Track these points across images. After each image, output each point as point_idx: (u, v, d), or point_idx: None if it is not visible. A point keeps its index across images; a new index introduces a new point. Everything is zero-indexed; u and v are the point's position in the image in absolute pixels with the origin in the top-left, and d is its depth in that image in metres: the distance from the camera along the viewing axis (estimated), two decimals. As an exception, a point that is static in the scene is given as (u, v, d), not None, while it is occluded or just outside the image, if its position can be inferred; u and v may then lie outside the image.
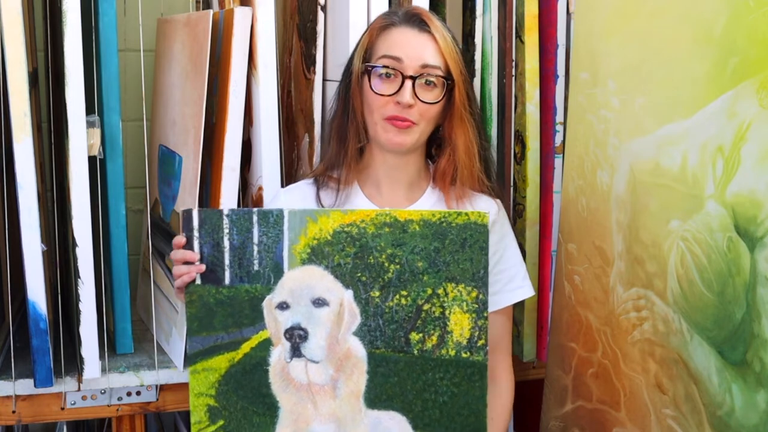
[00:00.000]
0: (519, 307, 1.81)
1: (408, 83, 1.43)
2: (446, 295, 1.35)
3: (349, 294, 1.36)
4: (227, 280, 1.37)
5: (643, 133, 1.39)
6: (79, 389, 1.70)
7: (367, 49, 1.50)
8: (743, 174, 1.17)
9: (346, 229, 1.36)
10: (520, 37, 1.75)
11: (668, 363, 1.36)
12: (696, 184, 1.27)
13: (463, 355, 1.35)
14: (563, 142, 1.71)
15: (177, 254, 1.38)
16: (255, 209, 1.38)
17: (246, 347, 1.38)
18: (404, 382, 1.37)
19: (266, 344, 1.38)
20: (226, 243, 1.37)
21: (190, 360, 1.38)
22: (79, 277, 1.63)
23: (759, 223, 1.15)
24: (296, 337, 1.35)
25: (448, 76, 1.46)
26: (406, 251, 1.35)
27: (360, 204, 1.52)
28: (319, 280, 1.36)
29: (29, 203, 1.55)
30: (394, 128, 1.45)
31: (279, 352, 1.37)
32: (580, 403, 1.63)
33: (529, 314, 1.81)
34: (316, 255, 1.36)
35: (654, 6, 1.37)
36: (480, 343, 1.35)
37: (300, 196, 1.55)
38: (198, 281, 1.38)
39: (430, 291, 1.35)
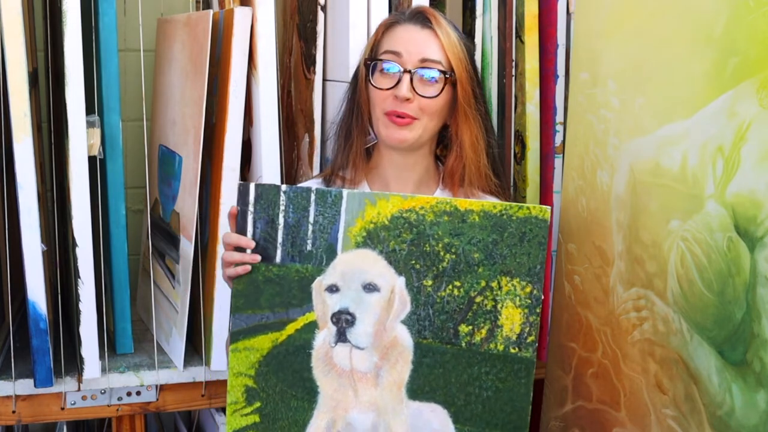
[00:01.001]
0: (519, 307, 1.81)
1: (406, 77, 1.44)
2: (500, 288, 1.33)
3: (401, 281, 1.34)
4: (278, 258, 1.35)
5: (643, 133, 1.39)
6: (79, 389, 1.70)
7: (373, 47, 1.52)
8: (743, 174, 1.17)
9: (404, 214, 1.34)
10: (520, 37, 1.75)
11: (668, 363, 1.36)
12: (696, 184, 1.27)
13: (512, 351, 1.33)
14: (563, 142, 1.71)
15: (231, 237, 1.35)
16: (314, 188, 1.36)
17: (291, 328, 1.35)
18: (449, 374, 1.34)
19: (312, 327, 1.35)
20: (281, 220, 1.35)
21: (232, 337, 1.36)
22: (79, 277, 1.63)
23: (759, 223, 1.15)
24: (343, 321, 1.33)
25: (448, 72, 1.46)
26: (464, 241, 1.33)
27: None
28: (372, 264, 1.34)
29: (29, 203, 1.55)
30: (393, 124, 1.45)
31: (324, 335, 1.35)
32: (580, 403, 1.63)
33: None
34: (371, 239, 1.34)
35: (654, 6, 1.37)
36: (530, 339, 1.33)
37: None
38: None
39: (483, 283, 1.33)
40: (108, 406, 1.74)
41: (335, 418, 1.35)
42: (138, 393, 1.74)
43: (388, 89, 1.45)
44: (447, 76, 1.46)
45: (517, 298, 1.33)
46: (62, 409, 1.70)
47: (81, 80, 1.58)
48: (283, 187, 1.35)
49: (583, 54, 1.56)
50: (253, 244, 1.34)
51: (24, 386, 1.67)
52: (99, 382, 1.70)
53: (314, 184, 1.58)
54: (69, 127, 1.59)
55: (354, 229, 1.34)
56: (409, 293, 1.34)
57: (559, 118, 1.73)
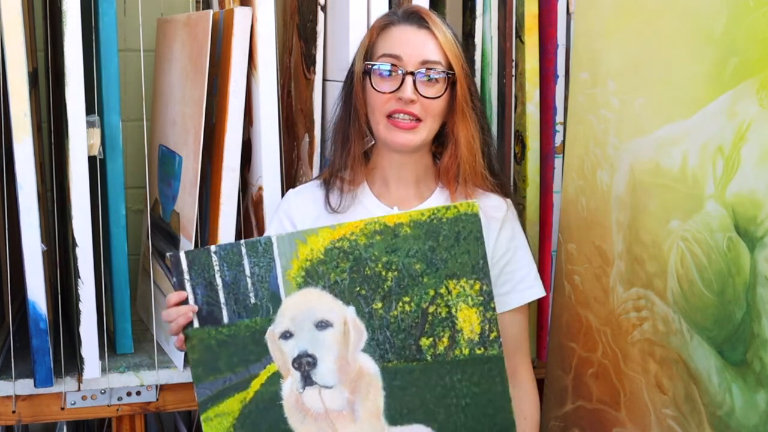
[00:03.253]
0: (519, 307, 1.81)
1: (408, 79, 1.43)
2: (449, 293, 1.32)
3: (351, 311, 1.33)
4: (225, 319, 1.34)
5: (643, 133, 1.39)
6: (79, 389, 1.70)
7: (367, 49, 1.50)
8: (743, 174, 1.17)
9: (337, 245, 1.33)
10: (520, 37, 1.75)
11: (668, 363, 1.36)
12: (696, 184, 1.27)
13: (477, 352, 1.32)
14: (563, 142, 1.71)
15: (170, 298, 1.36)
16: (242, 241, 1.35)
17: (256, 384, 1.34)
18: (422, 391, 1.33)
19: (276, 378, 1.34)
20: (219, 280, 1.34)
21: (201, 407, 1.35)
22: (79, 277, 1.63)
23: (759, 223, 1.15)
24: (305, 365, 1.32)
25: (449, 71, 1.46)
26: (402, 256, 1.33)
27: (369, 203, 1.52)
28: (318, 301, 1.33)
29: (29, 203, 1.55)
30: (396, 128, 1.45)
31: (290, 383, 1.34)
32: (580, 403, 1.63)
33: (530, 314, 1.81)
34: (311, 277, 1.33)
35: (654, 6, 1.37)
36: (492, 336, 1.32)
37: (311, 198, 1.55)
38: (196, 324, 1.35)
39: (432, 292, 1.33)
40: (108, 406, 1.74)
41: None
42: (138, 393, 1.74)
43: (390, 92, 1.45)
44: (448, 75, 1.46)
45: (469, 298, 1.32)
46: (62, 409, 1.70)
47: (81, 80, 1.58)
48: (213, 248, 1.35)
49: (583, 54, 1.56)
50: (187, 294, 1.35)
51: (24, 386, 1.66)
52: (99, 382, 1.70)
53: (313, 186, 1.58)
54: (69, 127, 1.59)
55: (292, 271, 1.33)
56: (362, 320, 1.33)
57: (559, 118, 1.73)
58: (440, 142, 1.55)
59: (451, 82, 1.46)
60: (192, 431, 2.14)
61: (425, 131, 1.47)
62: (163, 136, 1.94)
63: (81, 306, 1.64)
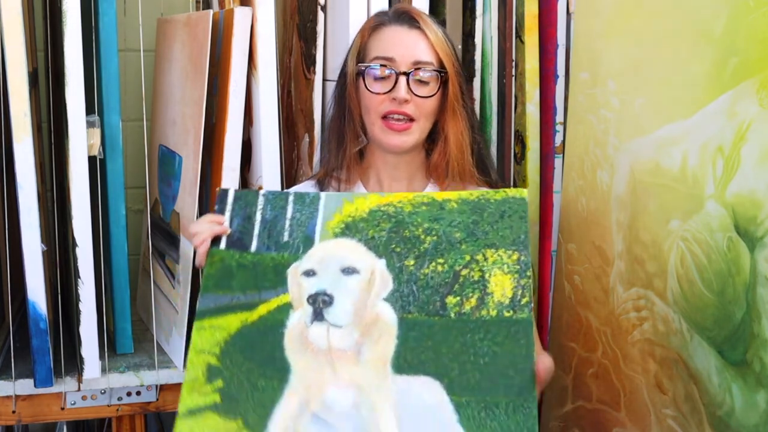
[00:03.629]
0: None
1: (402, 79, 1.44)
2: (485, 260, 1.30)
3: (381, 263, 1.30)
4: (253, 248, 1.33)
5: (643, 133, 1.39)
6: (79, 389, 1.70)
7: (359, 50, 1.51)
8: (743, 174, 1.17)
9: (382, 208, 1.33)
10: (520, 37, 1.75)
11: (668, 363, 1.36)
12: (696, 184, 1.27)
13: (506, 314, 1.27)
14: (563, 142, 1.71)
15: (207, 215, 1.36)
16: (291, 191, 1.37)
17: (263, 309, 1.29)
18: (439, 345, 1.27)
19: (286, 308, 1.29)
20: (258, 216, 1.34)
21: (198, 316, 1.30)
22: (79, 277, 1.63)
23: (759, 223, 1.15)
24: (320, 302, 1.27)
25: (441, 70, 1.47)
26: (444, 224, 1.32)
27: None
28: (350, 250, 1.31)
29: (29, 203, 1.55)
30: (391, 130, 1.46)
31: (299, 315, 1.28)
32: (580, 403, 1.62)
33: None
34: (349, 229, 1.32)
35: (654, 6, 1.37)
36: (524, 301, 1.27)
37: None
38: (222, 245, 1.33)
39: (468, 257, 1.30)
40: (108, 406, 1.73)
41: (309, 398, 1.23)
42: (138, 393, 1.74)
43: (384, 93, 1.45)
44: (440, 75, 1.47)
45: (505, 266, 1.29)
46: (62, 409, 1.70)
47: (81, 80, 1.58)
48: (262, 191, 1.36)
49: (583, 54, 1.56)
50: (224, 219, 1.34)
51: (24, 386, 1.66)
52: (99, 382, 1.70)
53: (308, 186, 1.58)
54: (69, 127, 1.59)
55: (332, 222, 1.33)
56: (391, 272, 1.30)
57: (559, 118, 1.73)
58: (432, 139, 1.55)
59: (443, 81, 1.47)
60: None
61: (418, 131, 1.48)
62: (163, 136, 1.94)
63: (81, 306, 1.64)
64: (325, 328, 1.27)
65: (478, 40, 1.77)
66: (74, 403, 1.71)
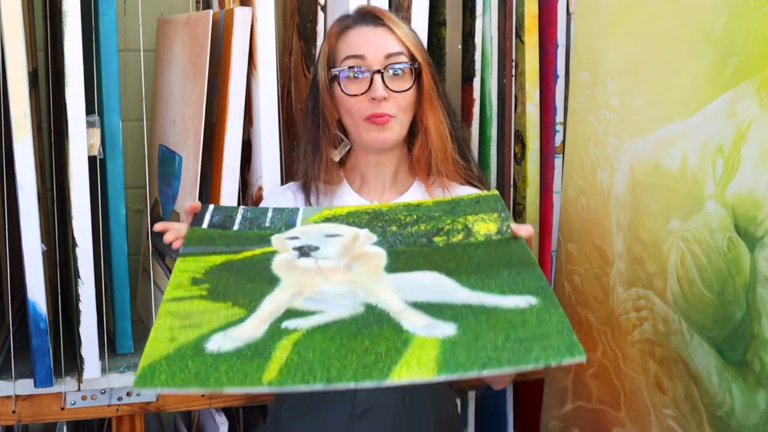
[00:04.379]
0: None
1: (377, 77, 1.45)
2: (467, 221, 1.32)
3: (365, 230, 1.32)
4: (235, 227, 1.34)
5: (643, 133, 1.39)
6: (79, 389, 1.70)
7: (329, 56, 1.52)
8: (743, 174, 1.17)
9: (361, 209, 1.36)
10: (520, 37, 1.75)
11: (668, 363, 1.36)
12: (696, 184, 1.27)
13: (494, 239, 1.28)
14: (563, 142, 1.71)
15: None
16: (271, 207, 1.39)
17: (248, 253, 1.29)
18: (432, 256, 1.26)
19: (271, 253, 1.28)
20: (239, 217, 1.36)
21: (179, 255, 1.28)
22: (79, 277, 1.63)
23: (759, 223, 1.15)
24: (306, 250, 1.27)
25: (413, 62, 1.47)
26: (422, 211, 1.34)
27: (349, 199, 1.54)
28: (332, 226, 1.32)
29: (29, 203, 1.55)
30: (375, 126, 1.46)
31: (286, 255, 1.27)
32: (580, 403, 1.63)
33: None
34: (329, 220, 1.35)
35: (654, 6, 1.37)
36: (509, 232, 1.28)
37: (292, 196, 1.56)
38: (205, 225, 1.34)
39: (450, 220, 1.32)
40: (108, 406, 1.74)
41: (301, 290, 1.19)
42: (138, 393, 1.74)
43: (361, 94, 1.46)
44: (413, 66, 1.47)
45: (488, 219, 1.31)
46: (62, 409, 1.70)
47: (81, 80, 1.58)
48: (242, 208, 1.39)
49: (583, 54, 1.56)
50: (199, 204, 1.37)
51: (24, 386, 1.66)
52: (99, 382, 1.70)
53: (294, 186, 1.58)
54: (69, 127, 1.59)
55: (312, 218, 1.36)
56: (375, 234, 1.31)
57: (559, 118, 1.73)
58: (412, 133, 1.56)
59: (417, 73, 1.48)
60: (192, 431, 2.13)
61: (398, 126, 1.48)
62: (163, 136, 1.94)
63: (81, 306, 1.64)
64: (313, 261, 1.26)
65: (478, 40, 1.77)
66: (74, 403, 1.71)
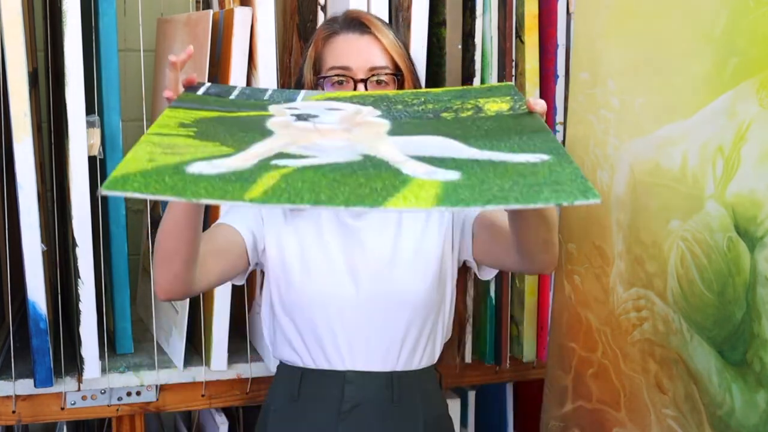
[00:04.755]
0: (519, 307, 1.81)
1: (360, 87, 1.47)
2: (478, 102, 1.27)
3: (368, 108, 1.26)
4: (233, 96, 1.30)
5: (643, 133, 1.39)
6: (79, 389, 1.70)
7: (315, 60, 1.52)
8: (743, 174, 1.17)
9: (366, 93, 1.36)
10: (520, 37, 1.75)
11: (668, 363, 1.36)
12: (696, 184, 1.27)
13: (506, 113, 1.21)
14: (563, 142, 1.71)
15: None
16: (271, 88, 1.38)
17: (242, 114, 1.23)
18: (438, 124, 1.20)
19: (267, 117, 1.22)
20: (237, 90, 1.33)
21: (170, 106, 1.21)
22: (79, 277, 1.63)
23: (759, 223, 1.15)
24: (305, 116, 1.21)
25: (397, 72, 1.49)
26: (430, 96, 1.30)
27: None
28: (335, 103, 1.27)
29: (29, 203, 1.55)
30: None
31: (282, 118, 1.22)
32: (580, 403, 1.62)
33: (529, 314, 1.81)
34: (332, 100, 1.31)
35: (654, 6, 1.37)
36: (523, 107, 1.21)
37: None
38: (200, 93, 1.29)
39: (459, 102, 1.27)
40: (108, 406, 1.74)
41: (296, 141, 1.11)
42: (138, 393, 1.74)
43: None
44: (396, 77, 1.48)
45: (500, 101, 1.26)
46: (62, 409, 1.70)
47: (81, 80, 1.58)
48: (240, 86, 1.36)
49: (583, 54, 1.56)
50: (207, 84, 1.32)
51: (24, 386, 1.67)
52: (99, 382, 1.70)
53: None
54: (69, 127, 1.59)
55: (315, 96, 1.33)
56: (379, 110, 1.26)
57: (559, 118, 1.73)
58: None
59: (400, 83, 1.50)
60: (192, 431, 2.14)
61: None
62: (163, 136, 1.93)
63: (81, 306, 1.64)
64: (311, 124, 1.20)
65: (478, 40, 1.77)
66: (74, 403, 1.71)
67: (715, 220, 1.23)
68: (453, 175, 0.98)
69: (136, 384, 1.73)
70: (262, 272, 1.55)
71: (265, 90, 1.38)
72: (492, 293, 1.81)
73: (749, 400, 1.18)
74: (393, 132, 1.15)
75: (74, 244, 1.62)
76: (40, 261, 1.58)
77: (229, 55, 1.65)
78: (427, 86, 1.68)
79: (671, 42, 1.32)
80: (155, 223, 1.93)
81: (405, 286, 1.46)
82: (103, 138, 1.67)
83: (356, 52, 1.49)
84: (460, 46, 1.77)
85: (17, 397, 1.67)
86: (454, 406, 1.89)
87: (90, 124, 1.61)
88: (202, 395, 1.78)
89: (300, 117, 1.21)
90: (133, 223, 2.20)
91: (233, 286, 1.71)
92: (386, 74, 1.48)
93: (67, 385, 1.69)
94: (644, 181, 1.39)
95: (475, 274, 1.59)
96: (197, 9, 2.12)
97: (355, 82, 1.46)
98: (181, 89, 1.27)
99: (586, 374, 1.59)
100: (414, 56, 1.57)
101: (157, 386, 1.75)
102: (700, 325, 1.28)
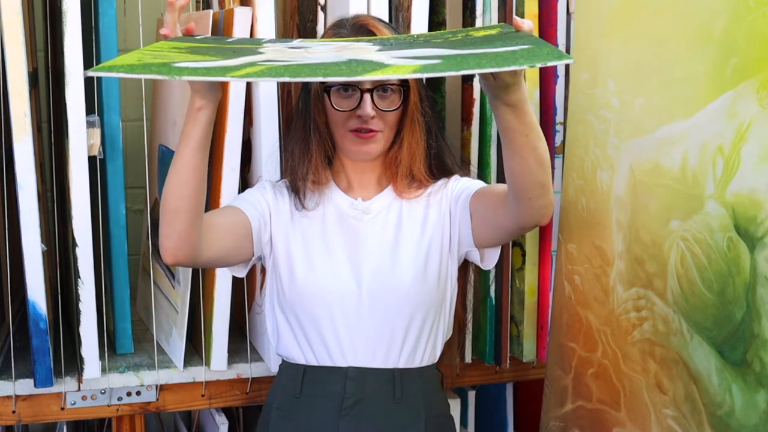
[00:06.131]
0: (519, 307, 1.81)
1: (366, 96, 1.46)
2: (468, 32, 1.30)
3: (365, 42, 1.32)
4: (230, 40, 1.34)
5: (643, 133, 1.39)
6: (79, 389, 1.70)
7: None
8: (743, 174, 1.17)
9: (363, 38, 1.38)
10: (520, 37, 1.74)
11: (668, 363, 1.36)
12: (696, 184, 1.27)
13: (494, 34, 1.24)
14: (563, 142, 1.71)
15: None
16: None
17: (237, 45, 1.29)
18: (425, 45, 1.24)
19: (262, 45, 1.30)
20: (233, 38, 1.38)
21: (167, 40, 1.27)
22: (79, 277, 1.63)
23: (759, 223, 1.15)
24: (298, 46, 1.27)
25: (403, 83, 1.48)
26: (423, 36, 1.34)
27: (337, 198, 1.54)
28: (330, 40, 1.33)
29: (29, 203, 1.55)
30: (359, 139, 1.48)
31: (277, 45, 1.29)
32: (580, 403, 1.63)
33: (529, 314, 1.81)
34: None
35: (654, 6, 1.37)
36: (512, 28, 1.23)
37: (280, 192, 1.56)
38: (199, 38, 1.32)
39: (450, 34, 1.31)
40: (108, 406, 1.74)
41: (287, 57, 1.19)
42: (138, 393, 1.74)
43: (350, 110, 1.46)
44: (402, 87, 1.48)
45: (490, 29, 1.30)
46: (62, 409, 1.70)
47: (81, 80, 1.58)
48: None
49: (583, 54, 1.56)
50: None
51: (24, 386, 1.67)
52: (99, 382, 1.70)
53: (283, 184, 1.58)
54: (69, 127, 1.59)
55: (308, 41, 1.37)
56: (371, 44, 1.30)
57: (559, 118, 1.73)
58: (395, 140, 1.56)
59: (405, 94, 1.49)
60: (192, 431, 2.14)
61: (383, 140, 1.50)
62: (163, 136, 1.94)
63: (81, 306, 1.64)
64: (303, 50, 1.27)
65: (478, 40, 1.77)
66: (74, 403, 1.71)
67: (715, 220, 1.23)
68: (434, 60, 1.09)
69: (136, 384, 1.73)
70: (263, 272, 1.55)
71: (262, 39, 1.40)
72: (492, 293, 1.81)
73: (749, 400, 1.18)
74: (383, 50, 1.22)
75: (74, 244, 1.62)
76: (40, 261, 1.58)
77: (229, 55, 1.65)
78: (427, 86, 1.67)
79: (671, 42, 1.32)
80: (155, 223, 1.93)
81: (406, 284, 1.47)
82: (103, 138, 1.67)
83: None
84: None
85: (17, 397, 1.67)
86: (454, 406, 1.89)
87: (90, 124, 1.61)
88: (202, 395, 1.78)
89: (293, 46, 1.28)
90: (133, 223, 2.20)
91: (233, 285, 1.71)
92: (393, 85, 1.47)
93: (67, 385, 1.69)
94: (644, 181, 1.39)
95: (475, 274, 1.59)
96: (197, 9, 2.12)
97: (362, 92, 1.46)
98: (179, 34, 1.32)
99: (586, 374, 1.59)
100: None
101: (157, 386, 1.75)
102: (700, 325, 1.28)
